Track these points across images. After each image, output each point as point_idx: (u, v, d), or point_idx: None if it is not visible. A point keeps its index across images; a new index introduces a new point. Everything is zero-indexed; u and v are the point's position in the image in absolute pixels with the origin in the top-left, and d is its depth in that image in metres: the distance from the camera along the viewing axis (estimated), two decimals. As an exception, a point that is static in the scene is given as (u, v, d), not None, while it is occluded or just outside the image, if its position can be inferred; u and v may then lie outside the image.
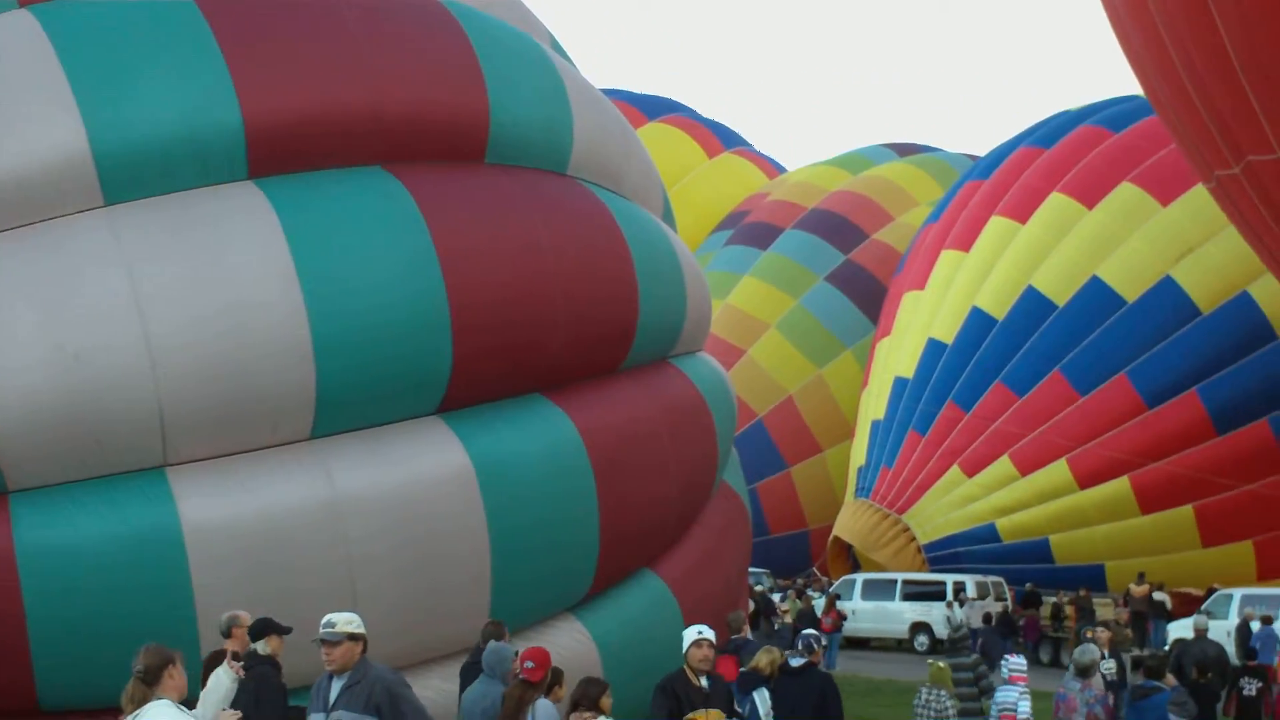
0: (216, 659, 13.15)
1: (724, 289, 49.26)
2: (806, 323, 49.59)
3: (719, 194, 56.69)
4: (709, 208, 55.31)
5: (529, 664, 12.80)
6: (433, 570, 16.09)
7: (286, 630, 13.30)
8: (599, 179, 19.03)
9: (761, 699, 14.81)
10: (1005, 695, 17.51)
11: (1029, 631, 37.66)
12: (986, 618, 36.17)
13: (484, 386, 16.71)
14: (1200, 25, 27.97)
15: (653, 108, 58.57)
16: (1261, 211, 30.08)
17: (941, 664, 18.39)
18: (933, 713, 17.64)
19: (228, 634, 13.55)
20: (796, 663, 15.06)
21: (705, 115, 61.53)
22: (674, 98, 64.89)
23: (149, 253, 14.91)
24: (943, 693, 17.81)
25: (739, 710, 14.36)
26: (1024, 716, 17.21)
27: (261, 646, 13.17)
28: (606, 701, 11.92)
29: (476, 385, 16.58)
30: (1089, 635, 30.13)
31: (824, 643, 16.36)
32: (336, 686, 10.46)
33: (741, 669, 15.12)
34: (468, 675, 15.18)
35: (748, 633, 20.16)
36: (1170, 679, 18.08)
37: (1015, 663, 17.97)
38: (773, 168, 61.01)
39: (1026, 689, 17.60)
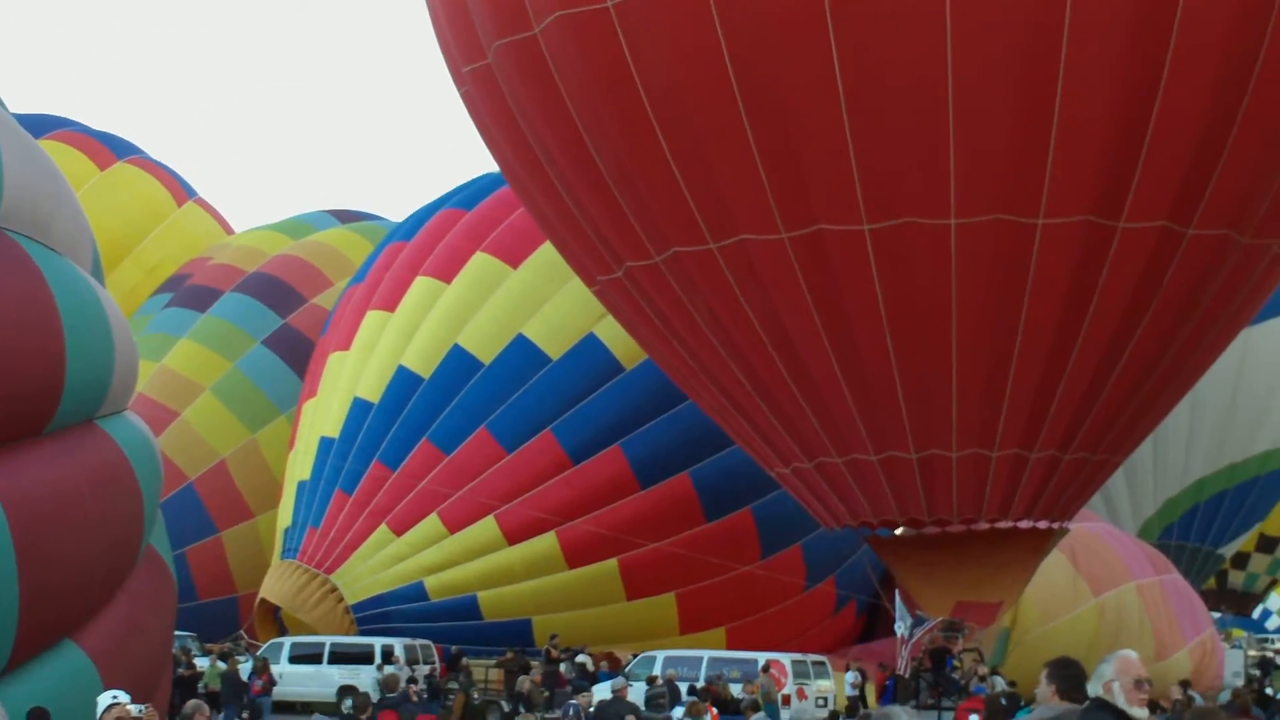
0: None
1: (161, 351, 48.34)
2: (242, 386, 49.00)
3: (113, 206, 54.99)
4: (103, 222, 53.50)
5: None
6: None
7: None
8: (28, 230, 18.39)
9: None
10: None
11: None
12: (411, 680, 36.17)
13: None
14: (570, 142, 29.37)
15: (38, 126, 56.40)
16: (643, 308, 31.62)
17: None
18: None
19: None
20: None
21: (97, 129, 59.75)
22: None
23: None
24: None
25: None
26: None
27: None
28: None
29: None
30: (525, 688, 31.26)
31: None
32: None
33: None
34: None
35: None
36: None
37: None
38: (171, 177, 59.67)
39: None
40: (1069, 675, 9.02)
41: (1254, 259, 29.83)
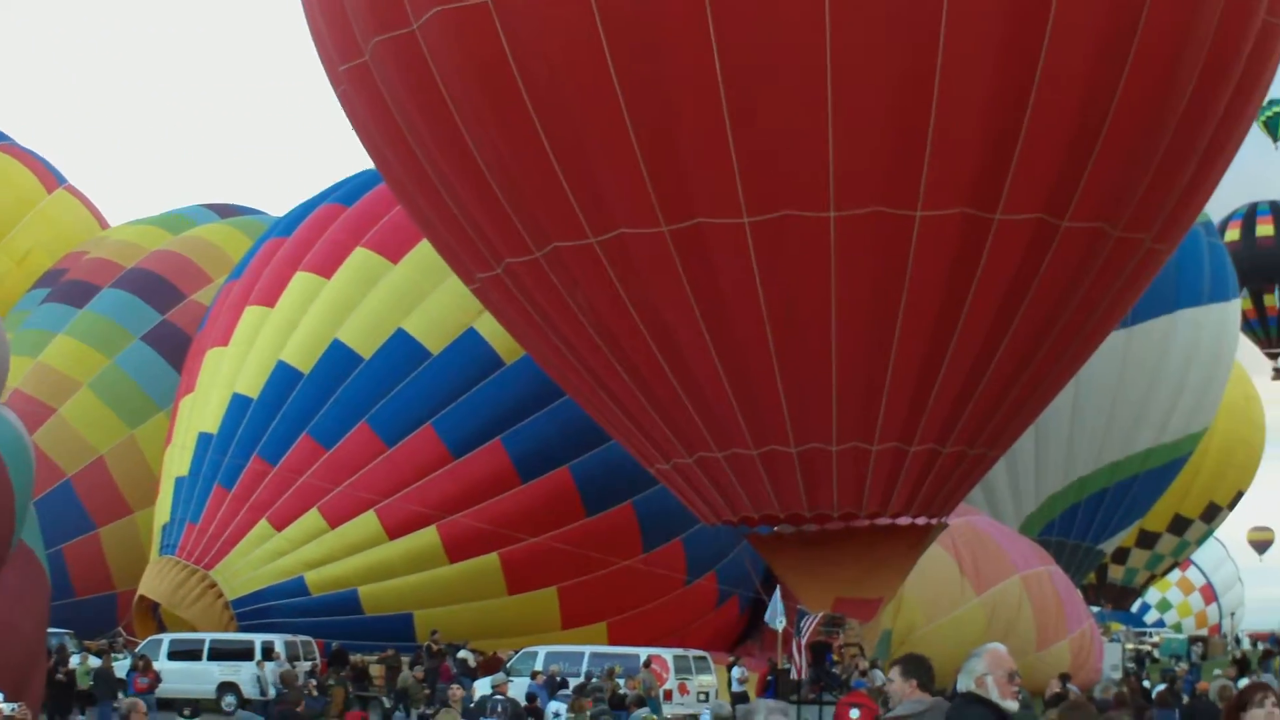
0: None
1: (38, 347, 47.90)
2: (121, 383, 48.59)
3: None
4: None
5: None
6: None
7: None
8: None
9: None
10: None
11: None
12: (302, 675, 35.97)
13: None
14: (449, 139, 29.36)
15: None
16: (523, 305, 31.64)
17: None
18: None
19: None
20: None
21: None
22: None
23: None
24: None
25: None
26: None
27: None
28: None
29: None
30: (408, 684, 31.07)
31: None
32: None
33: None
34: None
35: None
36: None
37: None
38: (39, 164, 58.80)
39: None
40: (927, 668, 9.09)
41: (1127, 252, 30.24)
